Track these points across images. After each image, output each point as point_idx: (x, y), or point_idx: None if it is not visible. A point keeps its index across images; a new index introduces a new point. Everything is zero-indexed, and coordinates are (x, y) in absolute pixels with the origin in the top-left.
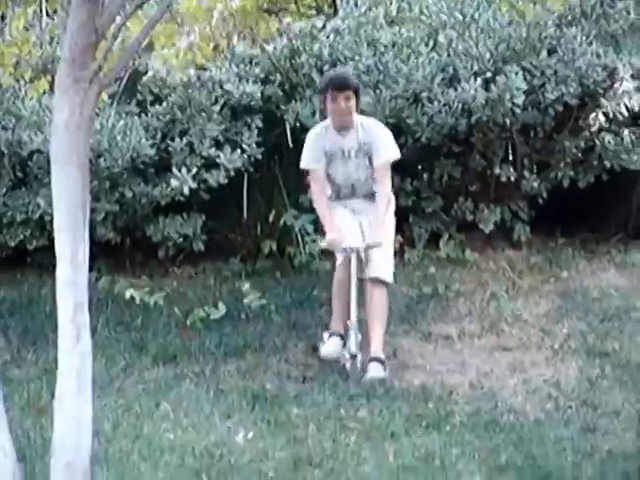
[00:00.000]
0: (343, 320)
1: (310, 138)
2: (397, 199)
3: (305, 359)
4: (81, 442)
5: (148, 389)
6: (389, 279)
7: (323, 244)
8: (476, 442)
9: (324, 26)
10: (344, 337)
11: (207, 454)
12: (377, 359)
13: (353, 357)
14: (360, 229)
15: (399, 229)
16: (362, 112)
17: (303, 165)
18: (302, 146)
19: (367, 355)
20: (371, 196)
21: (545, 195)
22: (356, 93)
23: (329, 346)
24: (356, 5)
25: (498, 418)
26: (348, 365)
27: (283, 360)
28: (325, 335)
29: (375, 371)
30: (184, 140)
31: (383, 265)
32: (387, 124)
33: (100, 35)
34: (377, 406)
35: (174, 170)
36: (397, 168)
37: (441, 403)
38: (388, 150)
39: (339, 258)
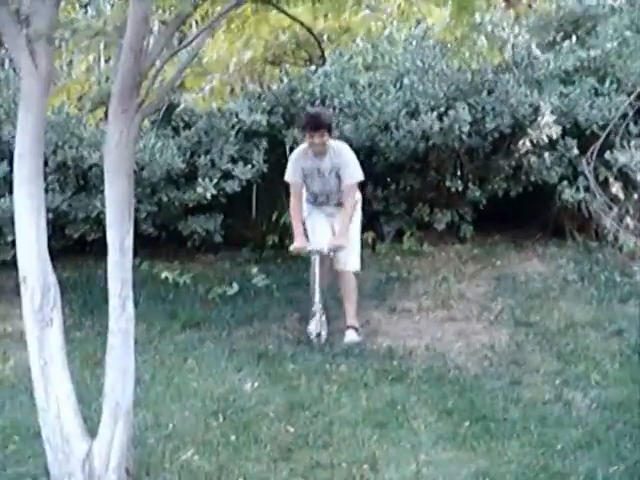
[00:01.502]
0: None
1: (292, 157)
2: (371, 204)
3: (299, 326)
4: (126, 388)
5: (178, 348)
6: (354, 268)
7: (291, 248)
8: (429, 391)
9: (316, 70)
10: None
11: (222, 399)
12: (352, 327)
13: (317, 335)
14: (330, 232)
15: (373, 228)
16: (339, 137)
17: (286, 178)
18: None
19: (344, 324)
20: (341, 204)
21: (485, 202)
22: (329, 128)
23: (311, 324)
24: (341, 54)
25: (446, 373)
26: (315, 341)
27: (282, 327)
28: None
29: (351, 337)
30: (207, 157)
31: (348, 258)
32: (363, 147)
33: (143, 76)
34: (354, 363)
35: (199, 180)
36: (372, 180)
37: (403, 361)
38: (353, 173)
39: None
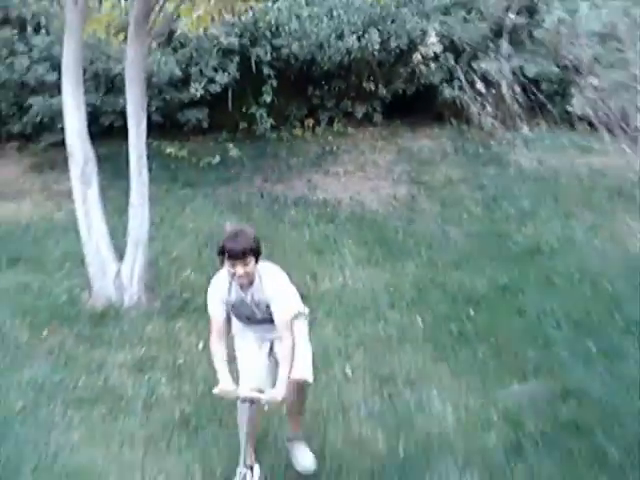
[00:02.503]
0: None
1: (212, 290)
2: (311, 100)
3: (262, 184)
4: (143, 227)
5: (179, 201)
6: (304, 376)
7: (215, 391)
8: (352, 229)
9: (272, 5)
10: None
11: (210, 234)
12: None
13: None
14: (265, 358)
15: (313, 116)
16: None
17: (208, 310)
18: (260, 72)
19: (289, 435)
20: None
21: (390, 98)
22: (256, 252)
23: None
24: None
25: (364, 215)
26: None
27: (251, 185)
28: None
29: (304, 455)
30: (197, 67)
31: (300, 363)
32: (305, 60)
33: (151, 9)
34: (300, 210)
35: (192, 84)
36: (312, 84)
37: (334, 208)
38: (285, 310)
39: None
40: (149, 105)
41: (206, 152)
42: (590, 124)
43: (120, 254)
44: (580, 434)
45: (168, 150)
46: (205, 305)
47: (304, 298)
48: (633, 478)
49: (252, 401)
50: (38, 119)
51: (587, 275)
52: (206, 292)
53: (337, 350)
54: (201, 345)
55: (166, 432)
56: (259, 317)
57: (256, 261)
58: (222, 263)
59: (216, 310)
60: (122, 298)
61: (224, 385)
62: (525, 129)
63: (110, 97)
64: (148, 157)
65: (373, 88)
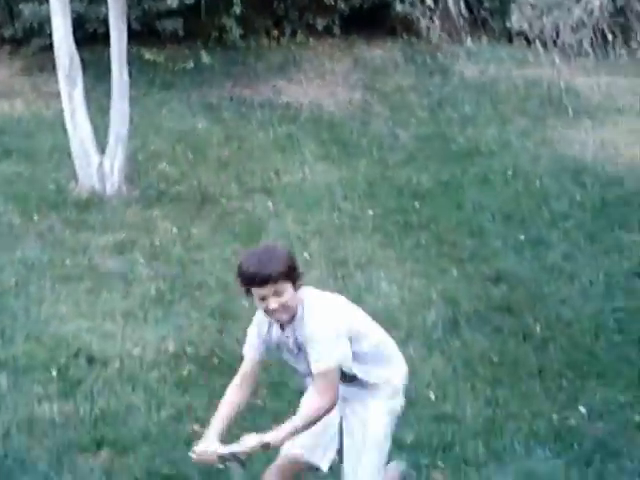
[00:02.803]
0: None
1: (253, 326)
2: (276, 13)
3: (232, 89)
4: (123, 124)
5: (156, 102)
6: None
7: (193, 456)
8: (312, 130)
9: None
10: None
11: (184, 133)
12: None
13: None
14: (333, 428)
15: (277, 28)
16: None
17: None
18: None
19: None
20: (353, 379)
21: (348, 12)
22: (290, 276)
23: None
24: None
25: (323, 118)
26: None
27: (222, 90)
28: None
29: None
30: None
31: (357, 468)
32: None
33: None
34: (265, 112)
35: None
36: None
37: (296, 111)
38: (320, 360)
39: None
40: (129, 14)
41: (181, 58)
42: (526, 39)
43: (103, 149)
44: (509, 313)
45: (147, 56)
46: (179, 193)
47: (268, 192)
48: (553, 349)
49: (239, 459)
50: (28, 25)
51: (520, 174)
52: (180, 183)
53: (297, 237)
54: (175, 230)
55: (143, 306)
56: (308, 371)
57: (294, 287)
58: (249, 294)
59: (250, 348)
60: (104, 187)
61: (205, 442)
62: (468, 42)
63: (94, 5)
64: (128, 62)
65: (333, 3)
